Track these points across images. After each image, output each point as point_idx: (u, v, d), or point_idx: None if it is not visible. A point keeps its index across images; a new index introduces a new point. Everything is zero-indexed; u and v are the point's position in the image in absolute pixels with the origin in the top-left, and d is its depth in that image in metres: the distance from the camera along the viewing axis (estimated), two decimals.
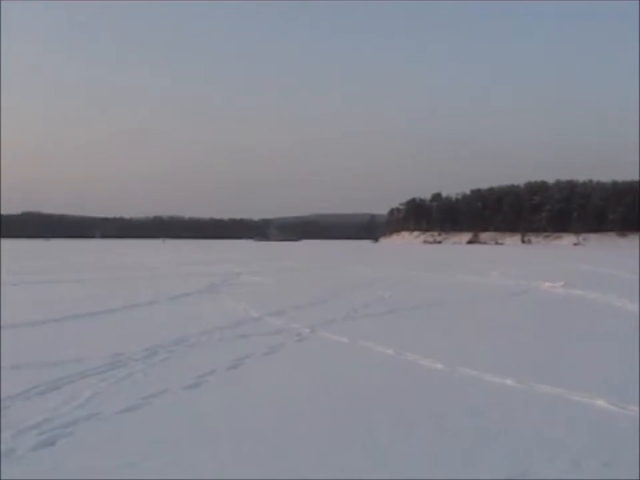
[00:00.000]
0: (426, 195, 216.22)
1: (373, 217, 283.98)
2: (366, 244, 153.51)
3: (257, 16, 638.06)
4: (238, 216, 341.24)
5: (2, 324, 11.80)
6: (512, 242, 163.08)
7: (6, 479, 4.55)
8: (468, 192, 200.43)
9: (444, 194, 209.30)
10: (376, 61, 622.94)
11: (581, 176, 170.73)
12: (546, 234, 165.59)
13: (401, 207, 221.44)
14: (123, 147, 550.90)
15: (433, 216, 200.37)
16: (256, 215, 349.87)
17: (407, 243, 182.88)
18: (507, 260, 52.00)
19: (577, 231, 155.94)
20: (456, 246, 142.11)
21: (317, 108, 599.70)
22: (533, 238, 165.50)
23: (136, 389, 7.11)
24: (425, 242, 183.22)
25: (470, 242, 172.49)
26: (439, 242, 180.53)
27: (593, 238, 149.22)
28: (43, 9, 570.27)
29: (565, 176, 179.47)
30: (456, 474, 4.73)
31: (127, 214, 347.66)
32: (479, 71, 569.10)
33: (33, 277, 25.48)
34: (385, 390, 7.26)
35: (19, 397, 6.69)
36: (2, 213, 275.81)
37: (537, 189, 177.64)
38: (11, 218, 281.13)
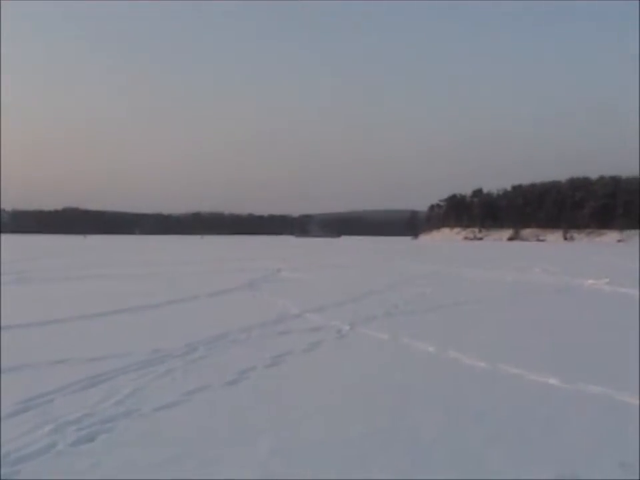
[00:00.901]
0: (467, 190, 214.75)
1: (414, 213, 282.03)
2: (406, 240, 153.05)
3: (257, 15, 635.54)
4: (278, 212, 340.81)
5: (44, 320, 11.94)
6: (554, 238, 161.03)
7: (5, 479, 4.52)
8: (509, 188, 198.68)
9: (485, 190, 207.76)
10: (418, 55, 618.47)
11: (625, 172, 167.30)
12: (589, 230, 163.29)
13: (442, 203, 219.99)
14: (162, 142, 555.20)
15: (474, 212, 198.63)
16: (296, 211, 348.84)
17: (448, 239, 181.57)
18: (548, 256, 51.29)
19: (621, 227, 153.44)
20: (497, 242, 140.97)
21: (369, 106, 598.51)
22: (576, 234, 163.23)
23: (176, 385, 7.09)
24: (466, 238, 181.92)
25: (511, 238, 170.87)
26: (480, 238, 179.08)
27: (638, 235, 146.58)
28: (43, 8, 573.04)
29: (609, 172, 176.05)
30: (501, 474, 4.61)
31: (166, 210, 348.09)
32: (519, 65, 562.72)
33: (75, 273, 25.80)
34: (427, 388, 7.14)
35: (60, 392, 6.72)
36: (43, 209, 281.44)
37: (580, 185, 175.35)
38: (50, 214, 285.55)
